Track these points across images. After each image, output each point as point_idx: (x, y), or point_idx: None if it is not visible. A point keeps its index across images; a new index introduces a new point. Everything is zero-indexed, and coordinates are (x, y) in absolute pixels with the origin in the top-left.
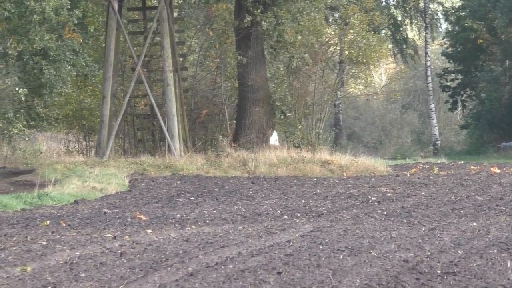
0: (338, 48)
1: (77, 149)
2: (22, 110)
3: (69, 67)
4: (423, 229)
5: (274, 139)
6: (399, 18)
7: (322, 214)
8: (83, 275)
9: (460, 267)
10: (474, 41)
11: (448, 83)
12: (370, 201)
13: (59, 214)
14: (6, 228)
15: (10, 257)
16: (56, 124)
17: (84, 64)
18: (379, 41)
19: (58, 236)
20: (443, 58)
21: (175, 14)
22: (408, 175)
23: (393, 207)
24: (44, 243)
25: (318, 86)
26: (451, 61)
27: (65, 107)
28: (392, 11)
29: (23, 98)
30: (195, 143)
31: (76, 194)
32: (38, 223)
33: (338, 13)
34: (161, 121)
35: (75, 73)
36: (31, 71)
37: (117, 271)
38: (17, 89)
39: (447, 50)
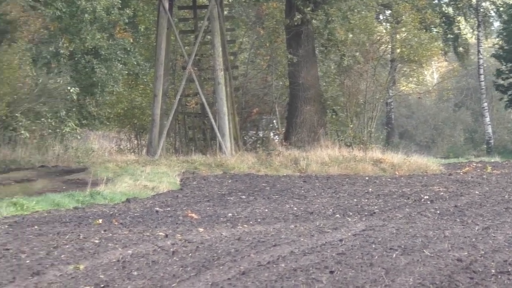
0: (389, 46)
1: (128, 148)
2: (74, 109)
3: (120, 66)
4: (476, 228)
5: None
6: (451, 15)
7: (374, 213)
8: (135, 273)
9: None
10: None
11: (502, 82)
12: (422, 200)
13: (111, 212)
14: (59, 227)
15: (63, 255)
16: (107, 123)
17: (135, 63)
18: (431, 39)
19: (111, 235)
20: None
21: (226, 13)
22: (461, 174)
23: (446, 206)
24: (97, 241)
25: (370, 84)
26: (503, 61)
27: (116, 106)
28: (443, 9)
29: (75, 97)
30: (245, 142)
31: (128, 192)
32: (91, 222)
33: (390, 11)
34: (212, 120)
35: (126, 72)
36: (82, 70)
37: (169, 269)
38: (69, 88)
39: (499, 51)
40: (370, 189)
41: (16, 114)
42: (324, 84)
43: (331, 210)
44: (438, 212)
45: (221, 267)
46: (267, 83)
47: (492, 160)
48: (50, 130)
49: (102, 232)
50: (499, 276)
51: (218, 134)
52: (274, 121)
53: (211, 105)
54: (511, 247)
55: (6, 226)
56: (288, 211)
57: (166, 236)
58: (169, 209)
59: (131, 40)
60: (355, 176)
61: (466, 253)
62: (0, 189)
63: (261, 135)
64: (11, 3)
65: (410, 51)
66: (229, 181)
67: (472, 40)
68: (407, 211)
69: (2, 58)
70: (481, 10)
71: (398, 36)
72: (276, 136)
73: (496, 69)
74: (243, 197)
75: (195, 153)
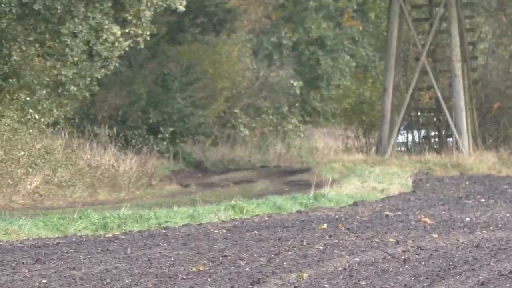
0: None
1: (356, 147)
2: (297, 104)
3: (348, 57)
4: None
5: None
6: None
7: None
8: (363, 282)
9: None
10: None
11: None
12: None
13: (337, 216)
14: (281, 232)
15: (285, 263)
16: (333, 120)
17: (363, 54)
18: None
19: (336, 241)
20: None
21: None
22: None
23: None
24: (321, 248)
25: None
26: None
27: (343, 101)
28: None
29: (298, 92)
30: (485, 140)
31: (355, 195)
32: (315, 226)
33: None
34: (448, 116)
35: (354, 64)
36: (306, 62)
37: (400, 279)
38: (292, 81)
39: None
40: None
41: (235, 110)
42: None
43: None
44: None
45: (457, 277)
46: (509, 75)
47: None
48: (271, 128)
49: (327, 237)
50: None
51: (454, 132)
52: None
53: (446, 99)
54: None
55: (225, 231)
56: None
57: (397, 242)
58: (400, 213)
59: (360, 29)
60: None
61: None
62: (218, 191)
63: (502, 132)
64: None
65: None
66: (467, 183)
67: None
68: None
69: (221, 49)
70: None
71: None
72: None
73: None
74: (482, 200)
75: (429, 152)
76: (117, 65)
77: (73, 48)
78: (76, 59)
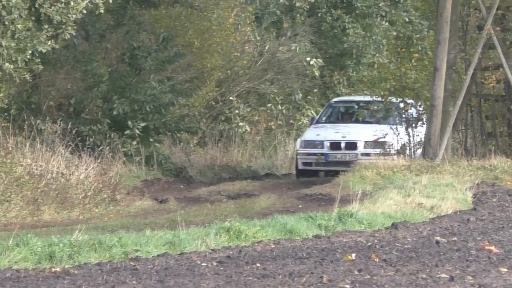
0: None
1: (395, 147)
2: (315, 90)
3: (385, 24)
4: None
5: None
6: None
7: None
8: None
9: None
10: None
11: None
12: None
13: (369, 243)
14: (292, 264)
15: None
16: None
17: (406, 20)
18: None
19: (368, 277)
20: None
21: None
22: None
23: None
24: (348, 286)
25: None
26: None
27: (378, 85)
28: None
29: (317, 73)
30: None
31: (394, 214)
32: (339, 257)
33: None
34: None
35: (394, 34)
36: (328, 32)
37: None
38: (308, 59)
39: None
40: None
41: (231, 98)
42: None
43: None
44: None
45: None
46: None
47: None
48: (280, 122)
49: (356, 272)
50: None
51: None
52: None
53: None
54: None
55: (215, 264)
56: None
57: (451, 279)
58: (455, 238)
59: None
60: None
61: None
62: (207, 208)
63: None
64: None
65: None
66: None
67: None
68: None
69: (211, 14)
70: None
71: None
72: None
73: None
74: None
75: (496, 155)
76: (72, 33)
77: (11, 9)
78: (18, 26)
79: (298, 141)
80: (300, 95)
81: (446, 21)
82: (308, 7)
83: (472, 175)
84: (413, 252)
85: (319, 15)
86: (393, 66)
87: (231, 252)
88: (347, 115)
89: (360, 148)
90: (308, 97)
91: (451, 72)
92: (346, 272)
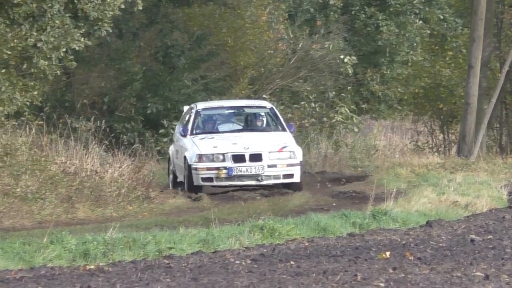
0: None
1: (430, 146)
2: (349, 88)
3: (419, 22)
4: None
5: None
6: None
7: None
8: None
9: None
10: None
11: None
12: None
13: (403, 241)
14: (326, 263)
15: None
16: (399, 108)
17: (440, 18)
18: None
19: (403, 275)
20: None
21: None
22: None
23: None
24: (382, 284)
25: None
26: None
27: (412, 83)
28: None
29: (350, 71)
30: None
31: (429, 212)
32: (373, 255)
33: None
34: None
35: (428, 32)
36: (362, 30)
37: None
38: (341, 56)
39: None
40: None
41: (264, 96)
42: None
43: None
44: None
45: None
46: None
47: None
48: (313, 119)
49: (391, 270)
50: None
51: None
52: None
53: None
54: None
55: (249, 261)
56: None
57: (487, 277)
58: (490, 237)
59: None
60: None
61: None
62: (241, 206)
63: None
64: None
65: None
66: None
67: None
68: None
69: (245, 12)
70: None
71: None
72: None
73: None
74: None
75: None
76: (108, 30)
77: (51, 2)
78: (57, 21)
79: (189, 155)
80: (333, 92)
81: (481, 19)
82: (341, 4)
83: (507, 172)
84: (447, 250)
85: (352, 12)
86: (427, 64)
87: (264, 250)
88: (223, 123)
89: (266, 160)
90: (342, 94)
91: (486, 70)
92: (380, 270)
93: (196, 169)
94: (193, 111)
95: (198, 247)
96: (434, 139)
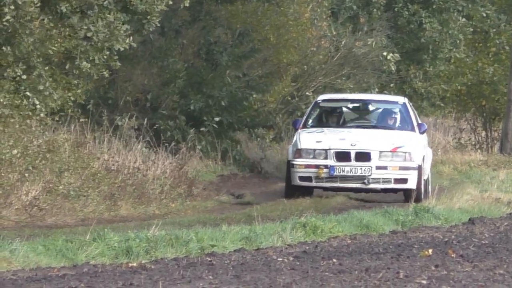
0: None
1: (472, 143)
2: (392, 85)
3: (462, 19)
4: None
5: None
6: None
7: None
8: None
9: None
10: None
11: None
12: None
13: (446, 239)
14: (369, 260)
15: None
16: (442, 105)
17: (483, 15)
18: None
19: (445, 272)
20: None
21: None
22: None
23: None
24: (424, 282)
25: None
26: None
27: (455, 80)
28: None
29: (393, 67)
30: None
31: (472, 209)
32: (415, 253)
33: None
34: None
35: (471, 30)
36: (405, 27)
37: None
38: (385, 53)
39: None
40: None
41: (307, 93)
42: None
43: None
44: None
45: None
46: None
47: None
48: None
49: (433, 268)
50: None
51: None
52: None
53: None
54: None
55: (292, 259)
56: None
57: None
58: None
59: None
60: None
61: None
62: (283, 203)
63: None
64: None
65: None
66: None
67: None
68: None
69: (288, 9)
70: None
71: None
72: None
73: None
74: None
75: None
76: (157, 24)
77: None
78: (108, 16)
79: (290, 150)
80: (376, 90)
81: None
82: (384, 2)
83: None
84: (490, 247)
85: (395, 10)
86: (469, 61)
87: (307, 247)
88: (343, 118)
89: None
90: (385, 91)
91: None
92: (423, 268)
93: (293, 165)
94: (313, 102)
95: (241, 244)
96: (476, 137)
